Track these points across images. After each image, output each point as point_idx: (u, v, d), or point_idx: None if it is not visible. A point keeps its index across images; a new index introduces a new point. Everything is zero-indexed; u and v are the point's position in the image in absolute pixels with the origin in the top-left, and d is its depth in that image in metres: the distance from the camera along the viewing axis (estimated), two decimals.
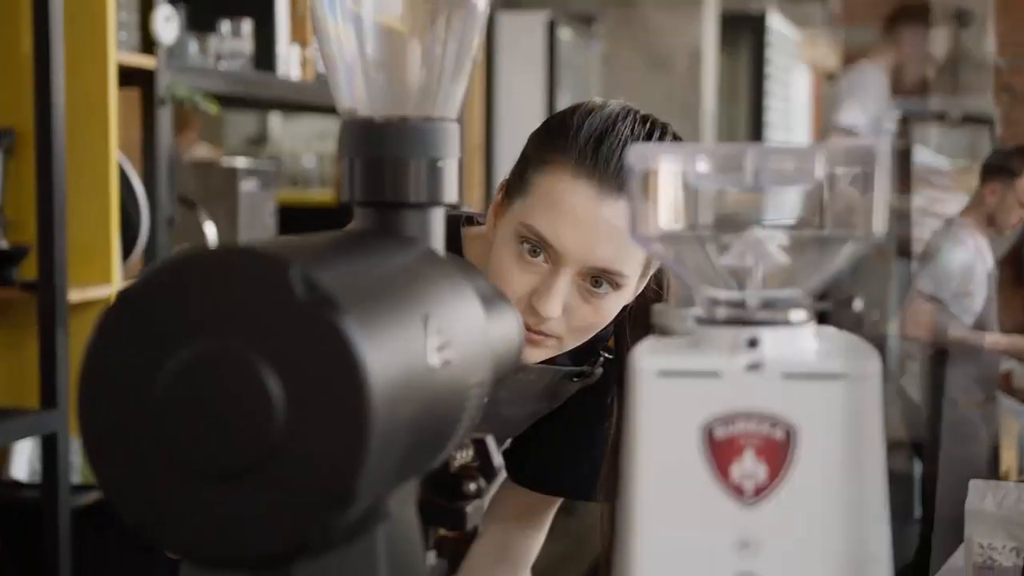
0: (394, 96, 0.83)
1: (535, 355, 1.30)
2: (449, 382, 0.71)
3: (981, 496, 2.05)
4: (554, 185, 1.24)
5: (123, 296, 0.64)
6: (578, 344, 1.32)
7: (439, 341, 0.71)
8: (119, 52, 2.54)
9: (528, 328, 1.27)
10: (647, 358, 0.70)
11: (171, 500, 0.63)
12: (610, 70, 5.56)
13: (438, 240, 0.83)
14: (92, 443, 0.65)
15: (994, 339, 4.70)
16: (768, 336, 0.69)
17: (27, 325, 2.41)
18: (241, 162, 3.14)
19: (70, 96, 2.41)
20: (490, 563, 1.42)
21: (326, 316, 0.61)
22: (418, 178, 0.82)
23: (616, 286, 1.26)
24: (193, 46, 2.90)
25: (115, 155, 2.49)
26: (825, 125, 4.76)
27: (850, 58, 10.04)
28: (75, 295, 2.41)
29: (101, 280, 2.49)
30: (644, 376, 0.69)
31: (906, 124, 4.90)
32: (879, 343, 4.86)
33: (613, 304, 1.28)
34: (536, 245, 1.25)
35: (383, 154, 0.81)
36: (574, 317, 1.27)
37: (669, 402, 0.69)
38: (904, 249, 4.60)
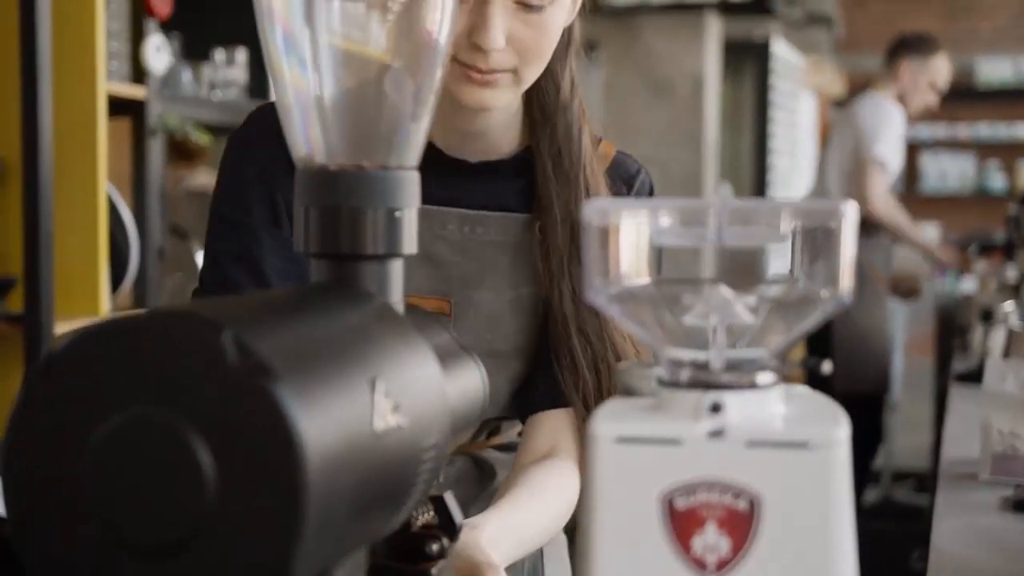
0: (351, 143, 0.80)
1: (496, 96, 1.24)
2: (400, 447, 0.68)
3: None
4: None
5: (50, 359, 0.61)
6: (537, 76, 1.25)
7: (388, 404, 0.67)
8: (109, 82, 2.52)
9: (479, 71, 1.21)
10: (605, 423, 0.66)
11: (98, 574, 0.60)
12: (612, 97, 5.54)
13: (396, 292, 0.80)
14: (16, 513, 0.61)
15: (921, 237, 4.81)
16: (732, 401, 0.66)
17: (12, 358, 2.38)
18: None
19: (59, 126, 2.39)
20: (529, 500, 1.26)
21: (259, 383, 0.58)
22: (375, 229, 0.79)
23: None
24: (187, 75, 2.88)
25: (104, 185, 2.46)
26: (842, 156, 4.69)
27: (855, 84, 10.05)
28: (62, 327, 2.38)
29: (89, 312, 2.46)
30: (602, 442, 0.66)
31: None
32: (882, 375, 4.80)
33: (554, 18, 1.23)
34: None
35: (339, 204, 0.78)
36: (520, 43, 1.21)
37: (628, 470, 0.66)
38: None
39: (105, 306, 2.48)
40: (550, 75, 1.31)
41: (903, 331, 6.22)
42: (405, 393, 0.69)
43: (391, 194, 0.79)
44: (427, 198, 1.31)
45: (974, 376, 2.87)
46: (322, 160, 0.80)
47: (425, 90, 0.83)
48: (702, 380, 0.67)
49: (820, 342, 4.38)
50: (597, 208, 0.68)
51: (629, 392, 0.75)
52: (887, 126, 4.50)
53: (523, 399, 1.38)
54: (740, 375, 0.67)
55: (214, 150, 3.50)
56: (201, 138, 2.71)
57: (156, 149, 2.64)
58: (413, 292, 1.30)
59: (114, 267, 2.53)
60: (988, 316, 3.30)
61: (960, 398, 2.81)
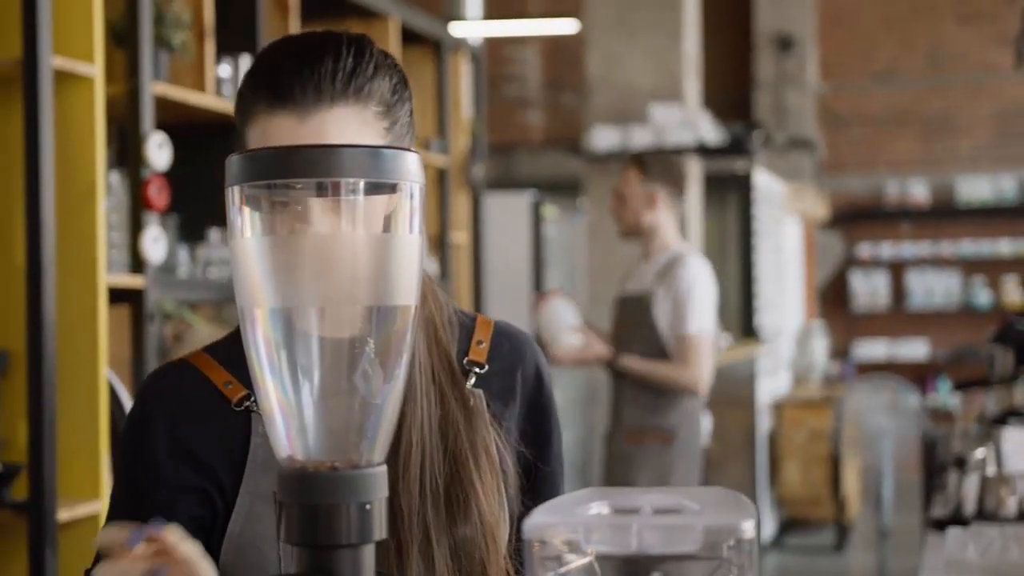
0: (326, 446, 0.92)
1: None
2: None
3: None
4: (260, 130, 1.24)
5: None
6: None
7: None
8: (110, 273, 2.65)
9: None
10: None
11: None
12: (596, 239, 5.69)
13: (368, 574, 0.91)
14: None
15: (633, 361, 4.05)
16: None
17: (17, 545, 2.47)
18: None
19: (61, 318, 2.51)
20: None
21: None
22: (348, 522, 0.90)
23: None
24: (184, 255, 3.02)
25: (104, 373, 2.58)
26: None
27: (838, 207, 10.26)
28: (64, 513, 2.48)
29: (90, 497, 2.56)
30: None
31: None
32: None
33: (375, 210, 1.23)
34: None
35: (316, 501, 0.90)
36: None
37: None
38: None
39: (106, 490, 2.58)
40: None
41: (892, 455, 6.30)
42: None
43: (362, 490, 0.91)
44: None
45: (950, 523, 2.95)
46: (301, 460, 0.92)
47: (391, 405, 0.93)
48: None
49: None
50: (537, 526, 0.80)
51: None
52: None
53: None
54: None
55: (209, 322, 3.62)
56: (196, 321, 2.84)
57: (153, 334, 2.77)
58: None
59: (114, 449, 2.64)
60: (962, 462, 3.38)
61: (935, 548, 2.88)
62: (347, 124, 1.22)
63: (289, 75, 1.22)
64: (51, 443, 2.44)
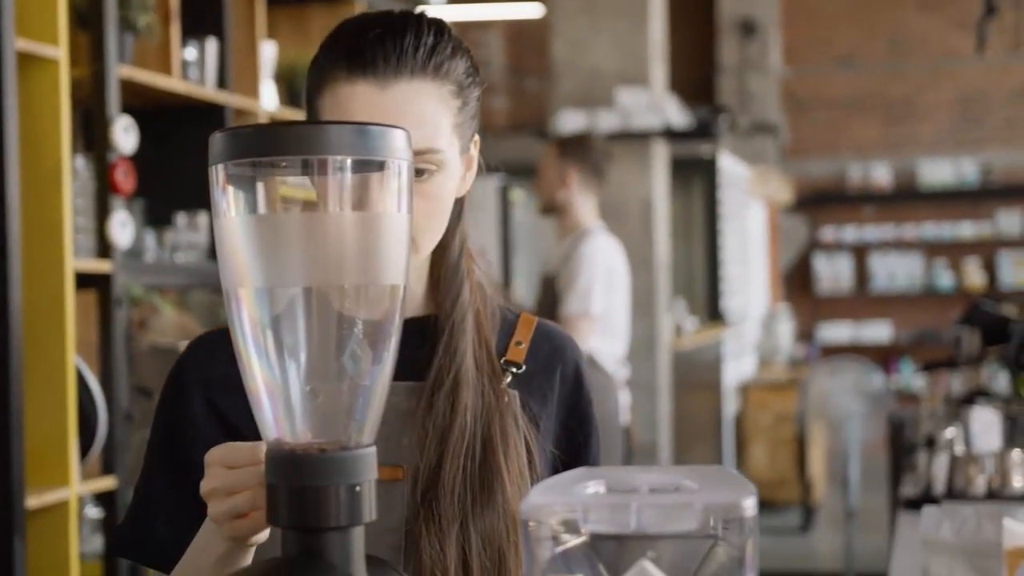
0: (314, 427, 0.91)
1: None
2: None
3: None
4: (336, 98, 1.22)
5: None
6: (435, 243, 1.26)
7: None
8: (76, 258, 2.62)
9: None
10: None
11: None
12: None
13: (358, 557, 0.90)
14: None
15: None
16: None
17: None
18: None
19: (28, 304, 2.48)
20: None
21: None
22: (338, 504, 0.89)
23: (437, 166, 1.23)
24: (151, 240, 2.99)
25: (72, 359, 2.55)
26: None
27: (802, 190, 10.30)
28: (33, 501, 2.45)
29: (59, 483, 2.53)
30: None
31: None
32: None
33: (443, 187, 1.24)
34: None
35: (304, 484, 0.88)
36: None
37: None
38: None
39: (75, 476, 2.55)
40: (442, 246, 1.31)
41: (858, 437, 6.34)
42: None
43: (351, 472, 0.89)
44: None
45: (921, 502, 2.97)
46: (289, 442, 0.91)
47: (382, 354, 0.93)
48: None
49: None
50: (534, 506, 0.78)
51: None
52: None
53: None
54: None
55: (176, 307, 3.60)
56: (164, 307, 2.81)
57: (121, 319, 2.74)
58: None
59: (83, 436, 2.61)
60: (931, 442, 3.40)
61: (907, 527, 2.90)
62: (426, 97, 1.23)
63: (372, 45, 1.22)
64: (19, 430, 2.41)
